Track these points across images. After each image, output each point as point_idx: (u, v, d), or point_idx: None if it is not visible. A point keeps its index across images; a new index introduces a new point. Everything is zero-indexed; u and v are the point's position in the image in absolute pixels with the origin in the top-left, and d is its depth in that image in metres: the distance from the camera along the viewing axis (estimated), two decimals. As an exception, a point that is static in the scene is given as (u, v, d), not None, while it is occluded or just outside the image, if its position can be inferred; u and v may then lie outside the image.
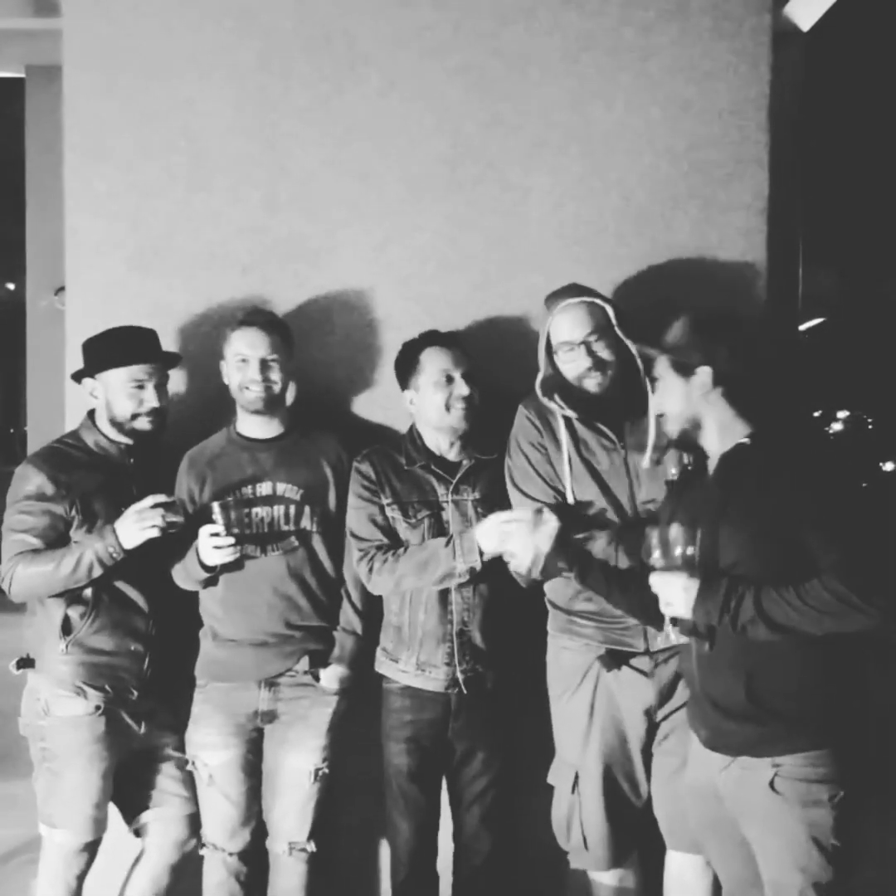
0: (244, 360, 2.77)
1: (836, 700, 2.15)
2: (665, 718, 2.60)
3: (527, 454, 2.70)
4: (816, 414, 12.22)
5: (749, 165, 2.99)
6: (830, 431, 12.97)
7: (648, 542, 2.19)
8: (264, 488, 2.79)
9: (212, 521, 2.61)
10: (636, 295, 2.95)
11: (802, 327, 4.56)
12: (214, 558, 2.63)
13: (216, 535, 2.60)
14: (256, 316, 2.84)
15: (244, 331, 2.79)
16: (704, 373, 2.22)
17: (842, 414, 12.90)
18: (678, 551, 2.16)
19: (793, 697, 2.14)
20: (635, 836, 2.69)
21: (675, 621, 2.21)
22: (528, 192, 3.04)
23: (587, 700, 2.63)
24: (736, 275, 2.98)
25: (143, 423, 2.74)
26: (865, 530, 2.06)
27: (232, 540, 2.59)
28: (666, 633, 2.23)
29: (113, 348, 2.76)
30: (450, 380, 2.71)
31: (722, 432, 2.24)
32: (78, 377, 2.82)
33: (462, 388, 2.71)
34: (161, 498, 2.58)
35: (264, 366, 2.77)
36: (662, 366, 2.29)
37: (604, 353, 2.60)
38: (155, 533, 2.56)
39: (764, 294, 3.01)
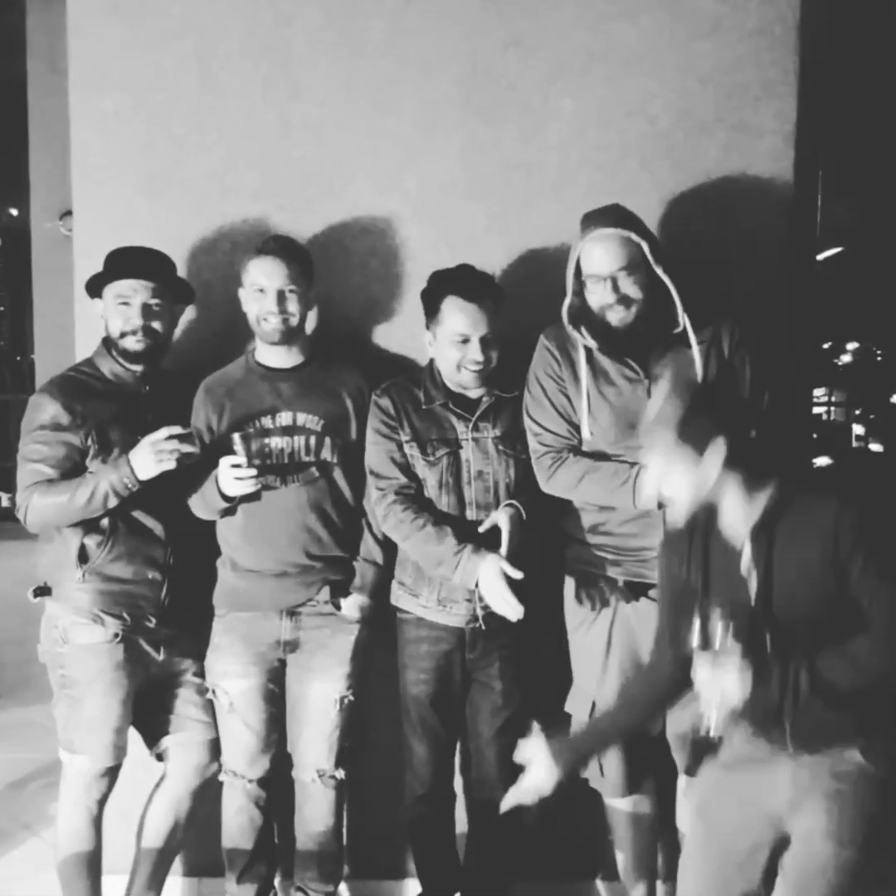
0: (261, 291, 2.71)
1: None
2: None
3: (542, 384, 2.67)
4: (826, 346, 12.13)
5: (777, 88, 2.88)
6: (839, 364, 12.90)
7: (686, 632, 2.06)
8: (284, 419, 2.76)
9: (231, 452, 2.58)
10: (659, 222, 2.88)
11: (820, 257, 4.49)
12: (235, 489, 2.61)
13: (237, 466, 2.57)
14: (274, 244, 2.76)
15: (261, 260, 2.73)
16: (719, 445, 2.03)
17: (851, 345, 12.81)
18: (720, 640, 2.03)
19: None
20: (651, 765, 2.73)
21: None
22: (548, 117, 2.94)
23: (605, 631, 2.65)
24: (761, 202, 2.89)
25: (131, 343, 2.68)
26: None
27: (253, 472, 2.57)
28: (711, 723, 2.05)
29: (108, 263, 2.72)
30: (465, 341, 2.65)
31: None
32: (92, 296, 2.77)
33: (475, 354, 2.63)
34: (176, 429, 2.55)
35: (281, 296, 2.71)
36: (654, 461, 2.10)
37: (630, 289, 2.51)
38: (171, 465, 2.54)
39: (788, 222, 2.94)
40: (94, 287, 2.74)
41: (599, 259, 2.52)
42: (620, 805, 2.77)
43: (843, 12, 3.74)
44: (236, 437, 2.58)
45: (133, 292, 2.68)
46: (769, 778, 2.15)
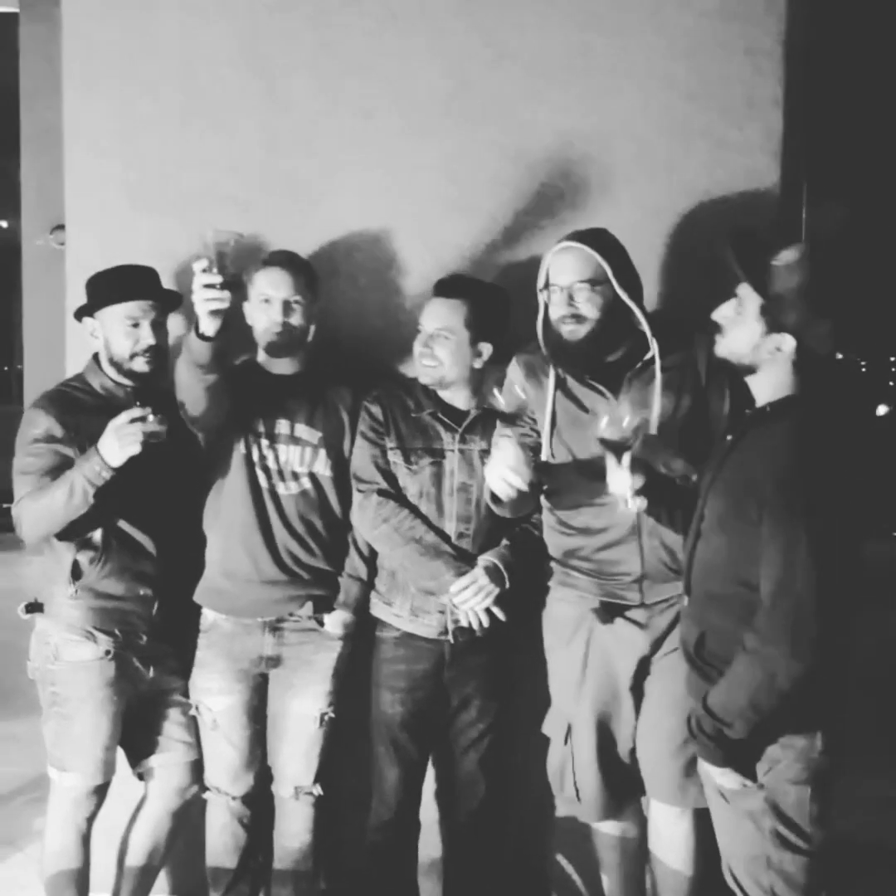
0: (267, 301, 2.72)
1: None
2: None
3: None
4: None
5: (763, 104, 2.88)
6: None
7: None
8: (282, 427, 2.76)
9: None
10: (643, 238, 2.87)
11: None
12: (208, 307, 2.40)
13: (210, 285, 2.38)
14: (281, 256, 2.78)
15: (268, 271, 2.74)
16: (788, 344, 2.05)
17: (837, 357, 12.85)
18: (626, 422, 2.18)
19: None
20: (632, 789, 2.65)
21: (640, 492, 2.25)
22: (532, 131, 2.94)
23: (581, 652, 2.59)
24: (746, 218, 2.85)
25: (141, 364, 2.69)
26: (810, 574, 1.90)
27: (221, 278, 2.38)
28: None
29: (109, 286, 2.71)
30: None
31: (772, 390, 2.11)
32: (79, 316, 2.77)
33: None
34: (136, 412, 2.50)
35: (287, 307, 2.72)
36: (747, 298, 2.11)
37: (585, 306, 2.47)
38: (136, 448, 2.49)
39: (774, 238, 2.94)
40: (91, 306, 2.73)
41: (559, 270, 2.50)
42: (606, 828, 2.71)
43: (829, 28, 3.75)
44: (209, 234, 2.39)
45: (143, 313, 2.68)
46: None
